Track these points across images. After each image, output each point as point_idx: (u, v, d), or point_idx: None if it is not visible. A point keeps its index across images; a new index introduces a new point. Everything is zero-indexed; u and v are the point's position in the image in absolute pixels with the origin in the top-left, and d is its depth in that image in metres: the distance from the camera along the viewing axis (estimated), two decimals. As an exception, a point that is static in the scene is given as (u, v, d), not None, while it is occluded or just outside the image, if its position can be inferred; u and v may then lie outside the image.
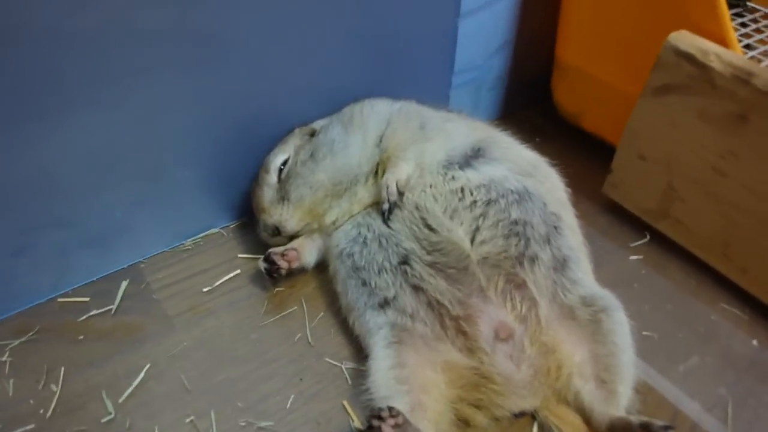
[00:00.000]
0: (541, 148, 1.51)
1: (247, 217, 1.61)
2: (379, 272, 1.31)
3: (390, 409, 1.07)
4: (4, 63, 1.13)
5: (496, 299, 1.23)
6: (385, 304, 1.28)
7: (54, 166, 1.29)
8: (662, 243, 1.59)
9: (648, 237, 1.60)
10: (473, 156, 1.41)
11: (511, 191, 1.33)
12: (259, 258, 1.48)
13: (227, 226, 1.60)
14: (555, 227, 1.33)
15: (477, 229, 1.29)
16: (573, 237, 1.37)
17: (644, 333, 1.39)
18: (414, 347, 1.22)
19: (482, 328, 1.21)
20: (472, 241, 1.28)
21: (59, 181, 1.31)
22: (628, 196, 1.62)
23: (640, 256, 1.57)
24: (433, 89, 1.73)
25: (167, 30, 1.26)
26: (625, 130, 1.54)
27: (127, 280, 1.47)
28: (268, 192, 1.43)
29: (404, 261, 1.29)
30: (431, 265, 1.27)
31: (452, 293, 1.24)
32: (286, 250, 1.43)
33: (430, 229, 1.30)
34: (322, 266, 1.48)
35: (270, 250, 1.42)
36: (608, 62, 1.70)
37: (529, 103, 1.95)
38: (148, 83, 1.29)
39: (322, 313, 1.42)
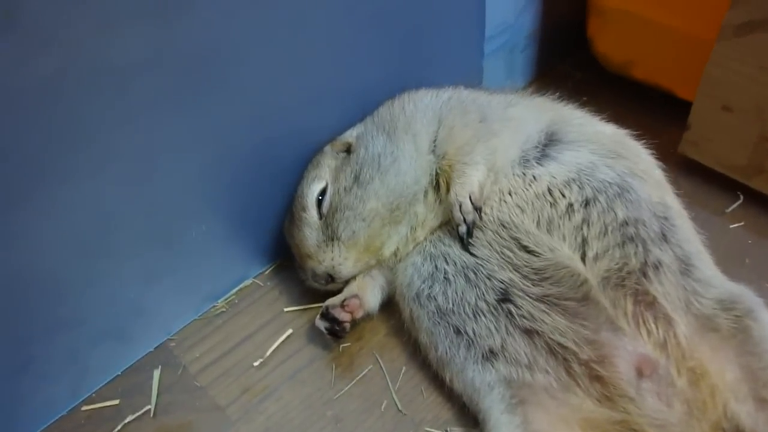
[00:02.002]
0: (592, 108, 1.23)
1: (282, 258, 1.30)
2: (474, 316, 1.02)
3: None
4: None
5: (628, 328, 0.96)
6: (491, 355, 1.00)
7: (41, 259, 0.98)
8: (760, 202, 1.32)
9: (742, 198, 1.34)
10: (548, 143, 1.12)
11: (609, 183, 1.05)
12: (310, 307, 1.21)
13: (262, 273, 1.31)
14: (665, 218, 1.06)
15: (584, 241, 1.01)
16: (685, 225, 1.10)
17: (776, 319, 1.10)
18: (541, 406, 0.96)
19: (621, 369, 0.95)
20: (583, 258, 1.00)
21: (52, 275, 1.00)
22: (712, 154, 1.35)
23: (741, 223, 1.30)
24: (465, 62, 1.43)
25: (148, 59, 0.93)
26: (702, 79, 1.27)
27: (159, 368, 1.16)
28: (310, 234, 1.12)
29: (504, 297, 1.01)
30: (541, 299, 0.99)
31: (576, 332, 0.96)
32: (345, 299, 1.13)
33: (528, 251, 1.02)
34: (388, 307, 1.18)
35: (326, 303, 1.13)
36: (660, 1, 1.38)
37: (564, 58, 1.67)
38: (134, 131, 0.97)
39: (404, 368, 1.13)
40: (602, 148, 1.11)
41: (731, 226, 1.30)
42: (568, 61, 1.68)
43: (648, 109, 1.51)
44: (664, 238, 1.03)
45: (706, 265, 1.05)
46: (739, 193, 1.35)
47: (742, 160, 1.31)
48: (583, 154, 1.09)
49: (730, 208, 1.33)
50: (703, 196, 1.36)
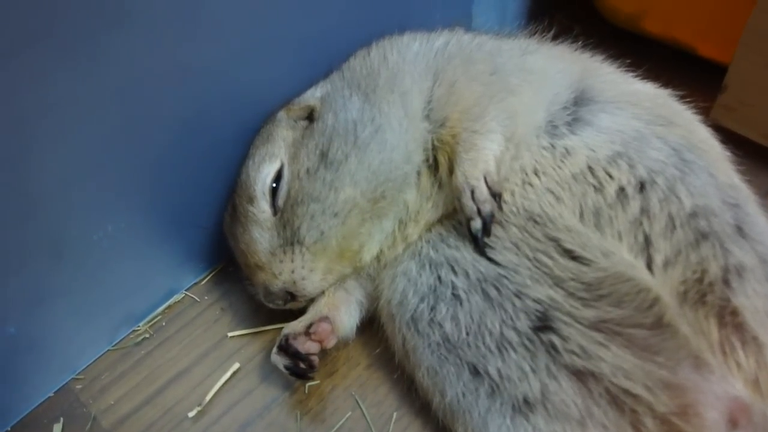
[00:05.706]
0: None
1: (224, 262, 0.99)
2: (499, 351, 0.75)
3: None
4: None
5: (715, 362, 0.70)
6: (525, 406, 0.73)
7: None
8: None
9: (789, 177, 1.09)
10: (578, 103, 0.85)
11: (664, 162, 0.78)
12: (263, 330, 0.92)
13: (196, 283, 0.99)
14: (737, 205, 0.80)
15: (647, 240, 0.74)
16: (758, 212, 0.84)
17: None
18: (597, 477, 0.67)
19: (710, 421, 0.69)
20: (650, 265, 0.73)
21: None
22: (753, 121, 1.12)
23: (791, 208, 1.05)
24: (453, 7, 1.10)
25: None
26: (746, 30, 1.06)
27: (60, 422, 0.85)
28: (261, 236, 0.81)
29: (543, 325, 0.74)
30: (596, 326, 0.71)
31: (647, 372, 0.70)
32: (311, 324, 0.83)
33: (573, 257, 0.74)
34: (370, 328, 0.87)
35: (285, 330, 0.84)
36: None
37: (560, 8, 1.38)
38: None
39: (394, 414, 0.84)
40: (646, 112, 0.86)
41: (785, 214, 1.04)
42: (562, 11, 1.36)
43: (664, 69, 1.21)
44: (740, 231, 0.78)
45: None
46: (785, 170, 1.08)
47: (792, 131, 1.10)
48: (623, 119, 0.84)
49: (777, 190, 1.09)
50: (742, 174, 1.08)
